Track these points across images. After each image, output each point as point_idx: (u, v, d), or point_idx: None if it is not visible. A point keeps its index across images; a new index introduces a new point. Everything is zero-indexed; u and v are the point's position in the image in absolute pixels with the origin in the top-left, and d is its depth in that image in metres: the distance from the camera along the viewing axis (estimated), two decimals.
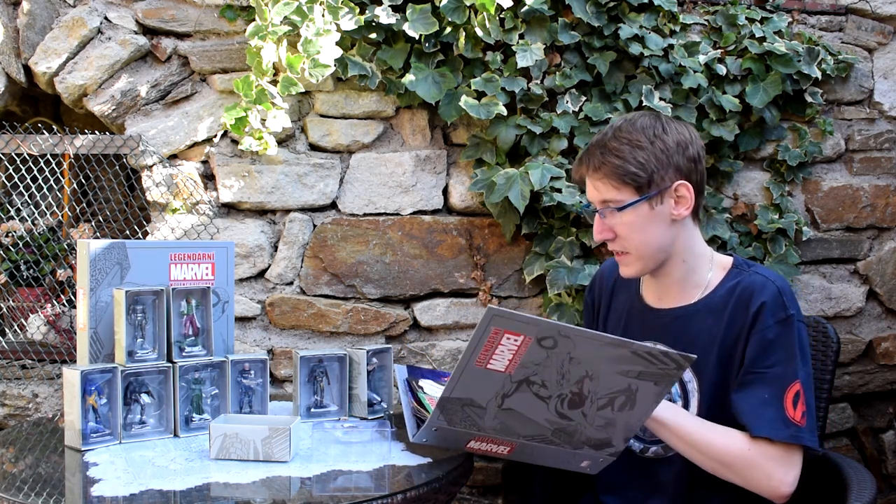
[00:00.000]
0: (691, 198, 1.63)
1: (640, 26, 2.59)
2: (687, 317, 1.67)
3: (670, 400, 1.66)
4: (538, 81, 2.56)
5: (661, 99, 2.58)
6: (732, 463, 1.55)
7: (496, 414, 1.50)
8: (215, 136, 2.54)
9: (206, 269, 1.93)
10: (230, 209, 2.57)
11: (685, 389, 1.66)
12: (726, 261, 1.71)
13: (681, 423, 1.56)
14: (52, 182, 2.65)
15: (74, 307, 2.76)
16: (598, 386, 1.48)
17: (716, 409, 1.62)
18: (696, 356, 1.47)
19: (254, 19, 2.34)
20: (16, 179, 2.63)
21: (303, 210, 2.57)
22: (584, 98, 2.57)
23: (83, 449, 1.66)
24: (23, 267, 2.78)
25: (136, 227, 2.67)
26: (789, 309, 1.59)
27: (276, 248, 2.57)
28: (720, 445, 1.55)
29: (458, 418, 1.52)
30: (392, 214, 2.60)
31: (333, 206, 2.59)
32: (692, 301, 1.68)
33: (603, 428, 1.54)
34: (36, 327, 2.74)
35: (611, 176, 1.61)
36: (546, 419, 1.51)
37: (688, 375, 1.66)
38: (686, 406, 1.66)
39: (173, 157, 2.55)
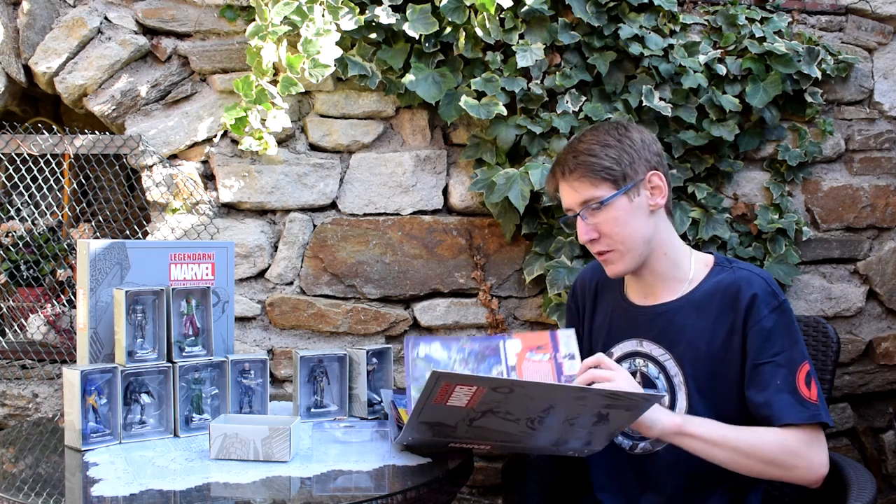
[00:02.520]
0: (665, 186, 1.69)
1: (640, 26, 2.59)
2: (671, 312, 1.70)
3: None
4: (538, 81, 2.56)
5: (661, 99, 2.58)
6: (777, 458, 1.55)
7: (467, 430, 1.52)
8: (215, 136, 2.54)
9: (206, 269, 1.93)
10: (230, 209, 2.57)
11: (671, 383, 1.68)
12: (707, 258, 1.75)
13: (715, 433, 1.56)
14: (52, 182, 2.65)
15: (74, 307, 2.76)
16: (566, 413, 1.48)
17: (702, 403, 1.64)
18: (664, 394, 1.50)
19: (254, 19, 2.34)
20: (16, 179, 2.63)
21: (303, 210, 2.57)
22: (584, 98, 2.57)
23: (83, 449, 1.66)
24: (23, 267, 2.78)
25: (136, 227, 2.67)
26: (779, 296, 1.63)
27: (276, 248, 2.57)
28: (762, 444, 1.55)
29: (431, 434, 1.55)
30: (392, 214, 2.60)
31: (333, 206, 2.59)
32: (676, 297, 1.71)
33: (578, 435, 1.54)
34: (36, 327, 2.74)
35: (587, 174, 1.66)
36: (519, 430, 1.52)
37: (674, 370, 1.68)
38: (673, 399, 1.67)
39: (173, 157, 2.55)
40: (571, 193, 1.70)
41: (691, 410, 1.64)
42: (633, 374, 1.71)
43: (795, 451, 1.55)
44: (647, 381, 1.70)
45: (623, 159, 1.66)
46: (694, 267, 1.72)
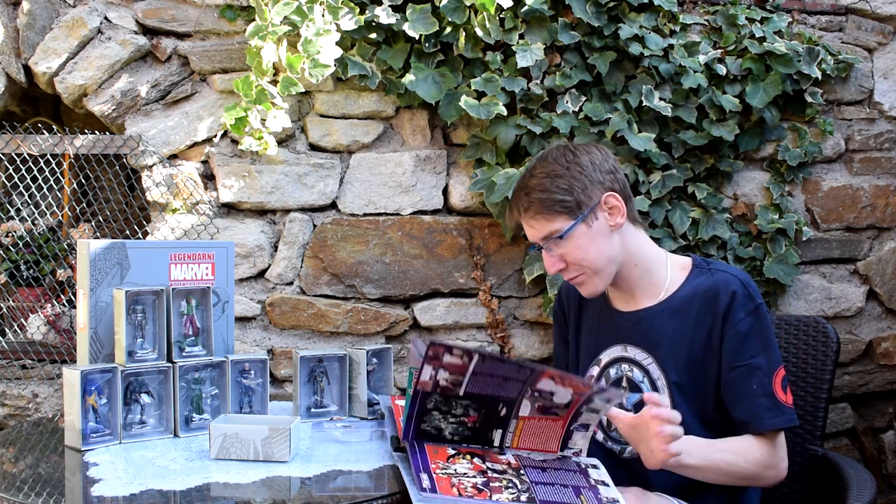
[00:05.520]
0: (622, 205, 1.70)
1: (640, 26, 2.58)
2: (652, 317, 1.73)
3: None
4: (538, 81, 2.56)
5: (661, 99, 2.58)
6: (752, 475, 1.61)
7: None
8: (215, 136, 2.54)
9: (206, 269, 1.93)
10: (230, 209, 2.57)
11: (655, 387, 1.70)
12: (685, 261, 1.77)
13: (704, 460, 1.58)
14: (52, 182, 2.65)
15: (74, 307, 2.76)
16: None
17: (685, 406, 1.65)
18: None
19: (254, 19, 2.33)
20: (16, 179, 2.63)
21: (303, 210, 2.57)
22: (584, 98, 2.57)
23: (83, 449, 1.66)
24: (23, 267, 2.78)
25: (136, 227, 2.67)
26: (756, 299, 1.66)
27: (276, 248, 2.57)
28: (742, 466, 1.59)
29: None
30: (392, 214, 2.60)
31: (333, 206, 2.59)
32: (656, 302, 1.73)
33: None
34: (36, 327, 2.74)
35: (541, 211, 1.68)
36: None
37: (656, 373, 1.70)
38: None
39: (173, 157, 2.55)
40: (530, 230, 1.72)
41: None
42: (620, 379, 1.75)
43: (769, 463, 1.61)
44: (632, 386, 1.74)
45: (575, 188, 1.67)
46: (671, 272, 1.75)
